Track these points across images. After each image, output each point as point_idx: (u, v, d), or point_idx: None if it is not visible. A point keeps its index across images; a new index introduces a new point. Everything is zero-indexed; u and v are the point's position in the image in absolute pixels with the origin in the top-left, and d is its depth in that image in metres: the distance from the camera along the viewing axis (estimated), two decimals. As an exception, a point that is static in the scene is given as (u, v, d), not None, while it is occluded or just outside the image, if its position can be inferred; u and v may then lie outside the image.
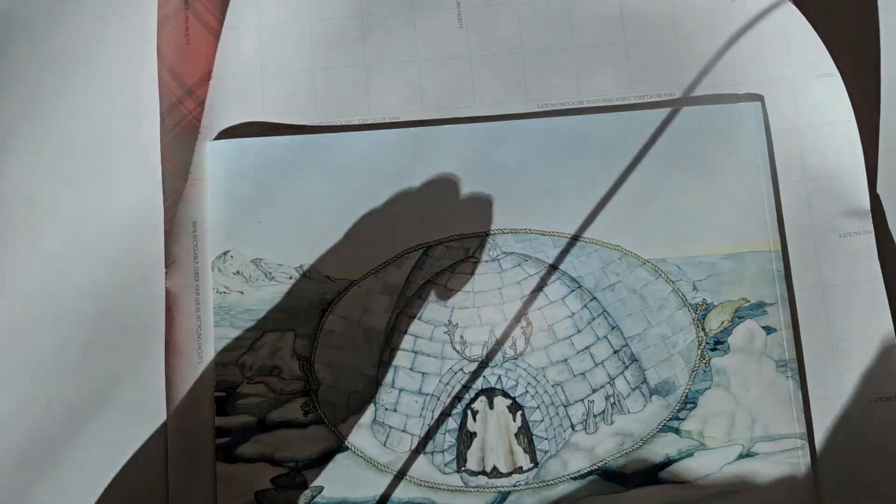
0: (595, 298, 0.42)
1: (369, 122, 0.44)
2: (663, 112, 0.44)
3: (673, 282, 0.42)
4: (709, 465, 0.41)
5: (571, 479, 0.41)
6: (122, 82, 0.43)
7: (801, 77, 0.44)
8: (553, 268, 0.43)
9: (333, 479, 0.41)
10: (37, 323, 0.41)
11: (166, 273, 0.42)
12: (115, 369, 0.41)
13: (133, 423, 0.40)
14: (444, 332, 0.42)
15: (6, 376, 0.40)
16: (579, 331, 0.42)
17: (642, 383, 0.42)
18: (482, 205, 0.43)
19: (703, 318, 0.42)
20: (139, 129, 0.42)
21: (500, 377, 0.42)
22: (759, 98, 0.44)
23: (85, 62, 0.42)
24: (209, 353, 0.42)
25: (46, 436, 0.40)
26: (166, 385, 0.41)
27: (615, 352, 0.42)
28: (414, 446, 0.41)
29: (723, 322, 0.42)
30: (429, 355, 0.42)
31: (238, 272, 0.43)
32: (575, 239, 0.43)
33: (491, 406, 0.42)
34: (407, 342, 0.42)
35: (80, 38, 0.42)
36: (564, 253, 0.43)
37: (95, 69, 0.42)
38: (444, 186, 0.43)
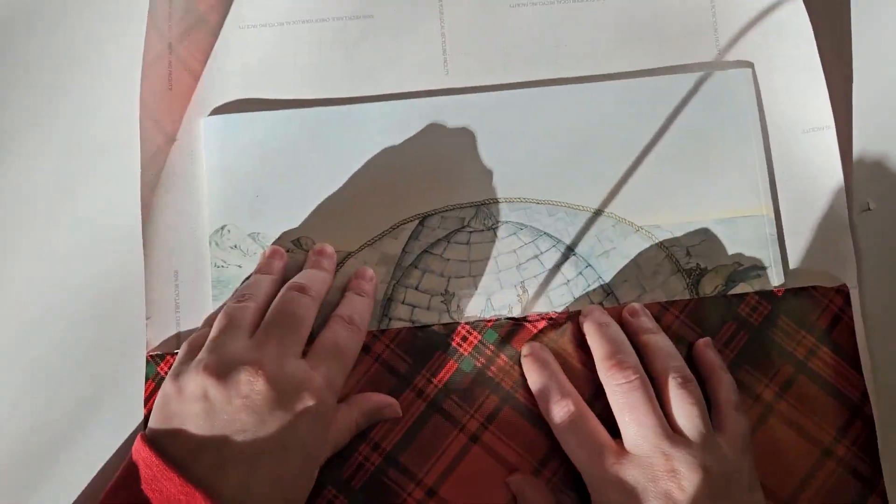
0: (590, 265, 0.43)
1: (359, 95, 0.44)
2: (654, 80, 0.44)
3: (666, 248, 0.43)
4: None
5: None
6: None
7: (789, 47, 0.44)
8: (548, 236, 0.43)
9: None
10: (36, 322, 0.41)
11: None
12: (111, 369, 0.41)
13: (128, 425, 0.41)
14: (441, 302, 0.43)
15: (6, 376, 0.41)
16: (575, 298, 0.42)
17: (638, 348, 0.42)
18: (476, 175, 0.43)
19: (697, 283, 0.43)
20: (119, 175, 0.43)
21: (497, 345, 0.42)
22: (749, 65, 0.45)
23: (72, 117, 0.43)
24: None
25: (47, 434, 0.40)
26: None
27: (611, 318, 0.42)
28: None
29: (717, 286, 0.42)
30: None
31: (235, 246, 0.43)
32: (569, 207, 0.43)
33: (488, 373, 0.42)
34: (404, 312, 0.42)
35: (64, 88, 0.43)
36: (558, 221, 0.43)
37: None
38: (438, 157, 0.43)
